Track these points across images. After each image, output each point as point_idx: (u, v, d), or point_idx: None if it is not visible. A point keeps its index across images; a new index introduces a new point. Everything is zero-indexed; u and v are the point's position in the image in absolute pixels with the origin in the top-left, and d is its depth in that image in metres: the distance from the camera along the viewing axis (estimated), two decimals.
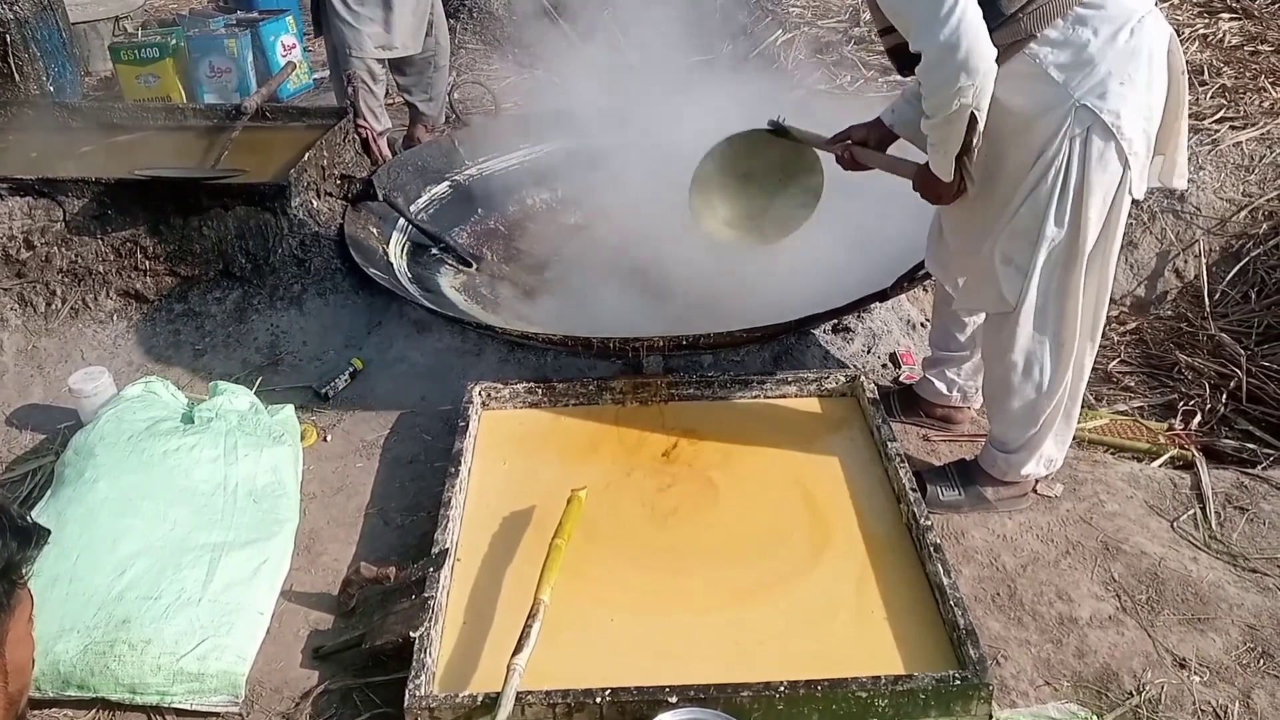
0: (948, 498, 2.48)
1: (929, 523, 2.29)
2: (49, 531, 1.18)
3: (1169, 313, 3.67)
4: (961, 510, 2.49)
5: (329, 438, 2.86)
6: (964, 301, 2.40)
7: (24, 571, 1.09)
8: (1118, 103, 1.99)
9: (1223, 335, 3.39)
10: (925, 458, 2.70)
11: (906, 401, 2.85)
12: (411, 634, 2.03)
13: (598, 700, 1.90)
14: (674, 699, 1.90)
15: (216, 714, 2.05)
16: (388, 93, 4.41)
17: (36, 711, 2.06)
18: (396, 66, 4.33)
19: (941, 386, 2.76)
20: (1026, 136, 2.08)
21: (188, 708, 2.04)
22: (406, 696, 1.91)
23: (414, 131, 4.53)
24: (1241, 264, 3.58)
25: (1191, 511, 2.55)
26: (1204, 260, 3.64)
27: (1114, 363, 3.40)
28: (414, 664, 1.97)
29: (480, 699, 1.90)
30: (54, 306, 3.34)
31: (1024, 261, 2.16)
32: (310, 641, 2.21)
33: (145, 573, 2.20)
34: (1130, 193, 2.07)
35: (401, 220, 3.59)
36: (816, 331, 3.09)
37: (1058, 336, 2.23)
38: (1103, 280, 2.19)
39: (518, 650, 1.90)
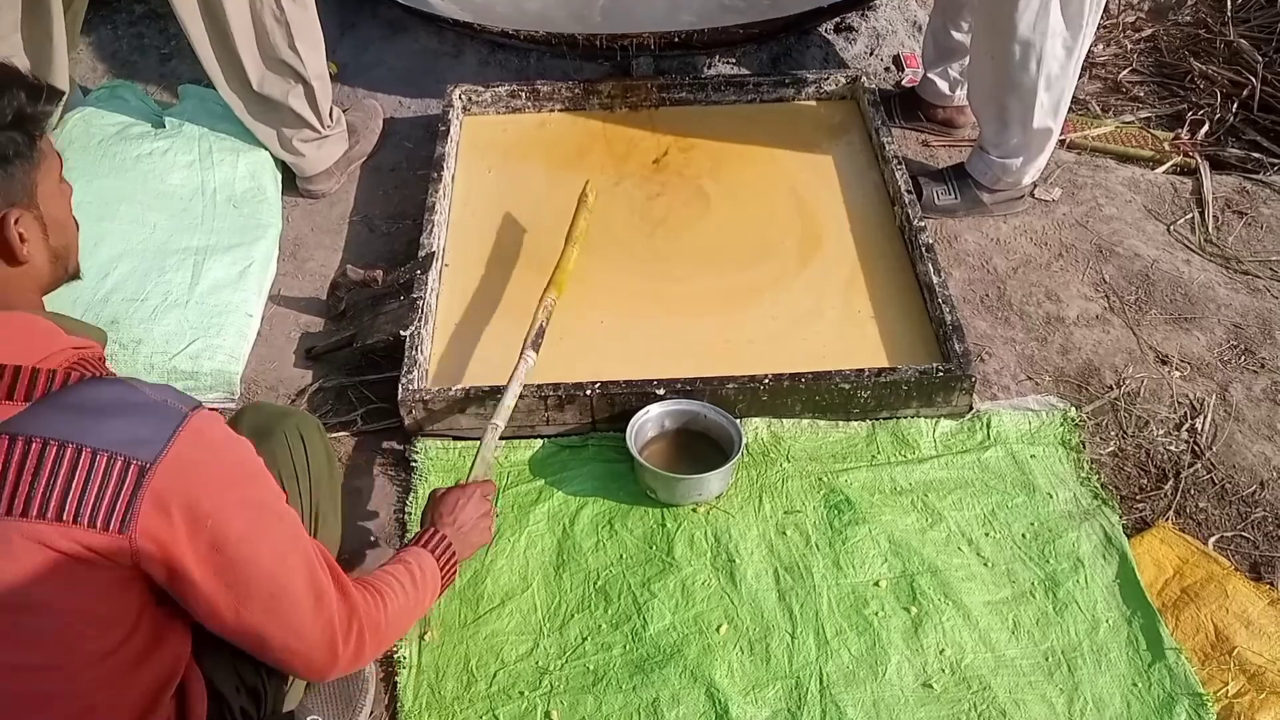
0: (943, 201, 2.43)
1: (922, 224, 2.25)
2: (62, 92, 1.18)
3: (1188, 19, 3.47)
4: (957, 214, 2.44)
5: None
6: None
7: (42, 126, 1.08)
8: None
9: (1241, 41, 3.21)
10: (924, 163, 2.62)
11: (908, 105, 2.73)
12: (402, 333, 2.04)
13: (587, 393, 1.93)
14: (661, 391, 1.93)
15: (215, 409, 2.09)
16: None
17: None
18: None
19: (944, 86, 2.63)
20: None
21: None
22: (400, 390, 1.94)
23: None
24: None
25: (1190, 216, 2.51)
26: None
27: (1125, 72, 3.24)
28: (405, 361, 1.99)
29: (472, 391, 1.94)
30: None
31: None
32: (302, 343, 2.22)
33: (129, 276, 2.18)
34: None
35: None
36: (818, 31, 2.92)
37: (1076, 9, 2.08)
38: None
39: (535, 346, 1.89)
